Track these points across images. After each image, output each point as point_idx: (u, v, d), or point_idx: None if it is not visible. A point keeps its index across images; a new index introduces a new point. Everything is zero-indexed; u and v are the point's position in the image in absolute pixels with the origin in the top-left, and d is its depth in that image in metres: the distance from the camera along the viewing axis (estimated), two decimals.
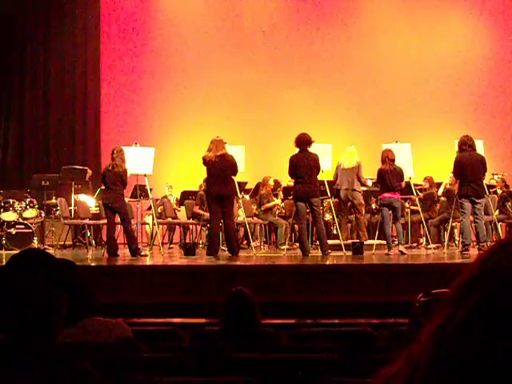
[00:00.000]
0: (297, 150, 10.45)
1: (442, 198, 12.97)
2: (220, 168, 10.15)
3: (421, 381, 0.66)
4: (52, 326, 2.12)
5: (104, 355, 3.21)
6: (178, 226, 14.32)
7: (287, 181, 13.69)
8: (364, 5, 16.99)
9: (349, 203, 11.83)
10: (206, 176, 11.24)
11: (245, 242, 13.42)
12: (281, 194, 13.68)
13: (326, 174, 11.24)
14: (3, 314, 2.09)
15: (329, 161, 11.44)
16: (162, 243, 12.09)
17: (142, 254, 10.62)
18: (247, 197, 13.51)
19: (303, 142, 10.34)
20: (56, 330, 2.15)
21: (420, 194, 12.79)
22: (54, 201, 12.97)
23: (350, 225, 12.59)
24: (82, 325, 3.55)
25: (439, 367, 0.65)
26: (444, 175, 13.33)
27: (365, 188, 12.29)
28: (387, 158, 10.59)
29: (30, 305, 2.06)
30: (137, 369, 3.26)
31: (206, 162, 10.26)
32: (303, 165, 10.19)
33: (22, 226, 12.25)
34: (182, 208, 13.91)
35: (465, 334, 0.64)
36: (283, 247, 11.86)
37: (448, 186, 12.66)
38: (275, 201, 13.48)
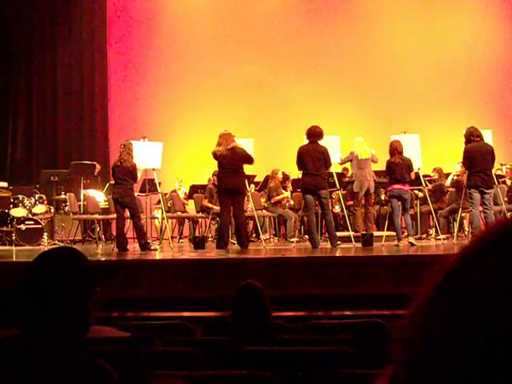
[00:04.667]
0: (306, 142, 10.46)
1: (451, 189, 12.93)
2: (231, 161, 10.14)
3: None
4: (76, 321, 2.13)
5: (117, 350, 3.21)
6: (187, 220, 14.34)
7: (297, 173, 13.68)
8: None
9: (361, 193, 11.79)
10: (215, 169, 11.27)
11: (254, 235, 13.42)
12: (290, 187, 13.66)
13: (334, 166, 11.21)
14: (27, 310, 2.09)
15: (337, 153, 11.42)
16: (172, 237, 12.10)
17: (152, 248, 10.64)
18: (253, 190, 13.50)
19: (313, 134, 10.33)
20: (82, 326, 2.16)
21: (429, 185, 12.77)
22: (63, 196, 13.00)
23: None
24: None
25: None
26: (453, 166, 13.29)
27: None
28: (395, 150, 10.57)
29: (56, 301, 2.07)
30: (148, 363, 3.26)
31: (216, 156, 10.25)
32: (310, 156, 10.16)
33: (32, 222, 12.29)
34: (191, 201, 13.92)
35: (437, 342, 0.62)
36: (293, 240, 11.85)
37: (456, 177, 12.62)
38: (284, 194, 13.47)
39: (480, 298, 0.59)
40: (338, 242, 10.33)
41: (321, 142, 10.37)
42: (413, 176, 10.73)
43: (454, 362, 0.59)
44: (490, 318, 0.58)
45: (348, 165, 12.64)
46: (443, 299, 0.62)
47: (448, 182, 12.94)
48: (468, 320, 0.59)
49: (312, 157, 10.16)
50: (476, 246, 0.64)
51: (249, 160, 10.35)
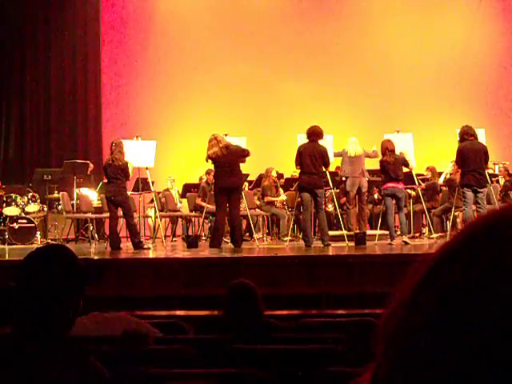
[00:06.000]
0: (301, 141, 10.51)
1: (444, 188, 12.95)
2: (227, 160, 10.15)
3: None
4: (67, 319, 2.13)
5: (109, 348, 3.21)
6: (180, 219, 14.33)
7: (290, 172, 13.67)
8: None
9: (353, 192, 11.80)
10: (208, 168, 11.28)
11: (247, 233, 13.41)
12: (280, 189, 13.59)
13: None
14: (20, 308, 2.09)
15: (330, 152, 11.43)
16: (165, 236, 12.09)
17: (145, 246, 10.63)
18: (246, 188, 13.49)
19: (313, 133, 10.37)
20: (70, 324, 2.16)
21: (422, 183, 12.78)
22: (56, 195, 12.97)
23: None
24: (81, 321, 3.56)
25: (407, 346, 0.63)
26: (446, 164, 13.31)
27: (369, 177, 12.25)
28: (387, 149, 10.60)
29: (47, 300, 2.07)
30: (141, 361, 3.26)
31: (212, 158, 10.23)
32: (308, 155, 10.21)
33: (25, 221, 12.26)
34: (184, 200, 13.92)
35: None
36: (286, 238, 11.85)
37: (449, 176, 12.64)
38: (281, 197, 13.45)
39: (458, 295, 0.59)
40: (329, 242, 10.33)
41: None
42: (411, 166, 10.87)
43: (433, 359, 0.59)
44: (468, 316, 0.58)
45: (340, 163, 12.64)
46: (423, 297, 0.62)
47: (441, 181, 12.95)
48: (447, 318, 0.59)
49: (311, 156, 10.21)
50: (456, 242, 0.64)
51: (245, 154, 10.38)
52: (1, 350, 2.04)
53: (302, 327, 4.49)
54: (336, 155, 11.94)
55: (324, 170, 10.49)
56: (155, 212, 12.43)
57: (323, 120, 12.97)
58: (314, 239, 11.28)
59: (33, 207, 12.61)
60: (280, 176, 13.78)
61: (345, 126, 14.88)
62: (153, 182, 11.91)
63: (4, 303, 2.62)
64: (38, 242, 12.11)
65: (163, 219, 13.62)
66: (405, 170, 10.92)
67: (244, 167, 10.87)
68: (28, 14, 16.58)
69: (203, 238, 13.11)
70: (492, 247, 0.60)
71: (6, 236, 12.06)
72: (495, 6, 16.71)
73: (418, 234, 12.91)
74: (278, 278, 7.89)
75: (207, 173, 12.76)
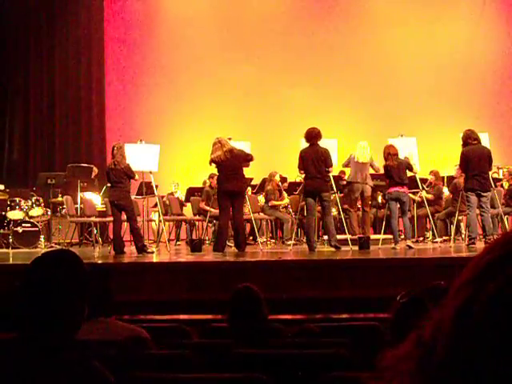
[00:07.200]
0: (304, 145, 10.47)
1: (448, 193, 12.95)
2: (231, 164, 10.13)
3: (440, 361, 0.65)
4: (72, 325, 2.13)
5: (112, 353, 3.21)
6: (184, 223, 14.33)
7: (294, 176, 13.65)
8: None
9: (355, 196, 11.80)
10: (211, 172, 11.26)
11: (251, 237, 13.40)
12: (284, 193, 13.58)
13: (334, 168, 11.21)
14: (25, 312, 2.10)
15: (335, 156, 11.42)
16: (169, 240, 12.08)
17: (149, 250, 10.62)
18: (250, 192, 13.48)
19: (312, 136, 10.32)
20: (75, 329, 2.17)
21: (426, 188, 12.78)
22: (60, 199, 12.99)
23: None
24: (96, 322, 3.58)
25: (461, 347, 0.63)
26: (449, 169, 13.30)
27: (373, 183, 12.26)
28: (389, 154, 10.59)
29: (53, 304, 2.08)
30: (144, 366, 3.26)
31: (216, 161, 10.22)
32: (311, 159, 10.17)
33: (29, 225, 12.26)
34: (188, 204, 13.92)
35: (493, 312, 0.62)
36: (289, 243, 11.85)
37: (454, 181, 12.62)
38: (285, 200, 13.44)
39: None
40: (337, 244, 10.26)
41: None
42: (415, 170, 10.87)
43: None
44: None
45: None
46: (498, 280, 0.63)
47: (447, 191, 12.97)
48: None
49: (313, 160, 10.17)
50: None
51: (248, 158, 10.37)
52: (5, 355, 2.05)
53: (305, 332, 4.48)
54: (345, 164, 11.94)
55: (327, 169, 10.39)
56: (159, 216, 12.43)
57: (327, 124, 12.99)
58: (318, 243, 11.26)
59: (37, 211, 12.61)
60: (283, 180, 13.79)
61: (349, 131, 14.88)
62: (156, 186, 11.91)
63: (9, 307, 2.62)
64: (42, 245, 12.12)
65: (167, 223, 13.63)
66: (409, 174, 10.91)
67: (248, 171, 10.86)
68: (31, 17, 16.60)
69: (207, 242, 13.12)
70: None
71: (10, 240, 12.07)
72: (499, 10, 16.70)
73: (421, 239, 12.90)
74: (282, 282, 7.88)
75: (211, 177, 12.75)
